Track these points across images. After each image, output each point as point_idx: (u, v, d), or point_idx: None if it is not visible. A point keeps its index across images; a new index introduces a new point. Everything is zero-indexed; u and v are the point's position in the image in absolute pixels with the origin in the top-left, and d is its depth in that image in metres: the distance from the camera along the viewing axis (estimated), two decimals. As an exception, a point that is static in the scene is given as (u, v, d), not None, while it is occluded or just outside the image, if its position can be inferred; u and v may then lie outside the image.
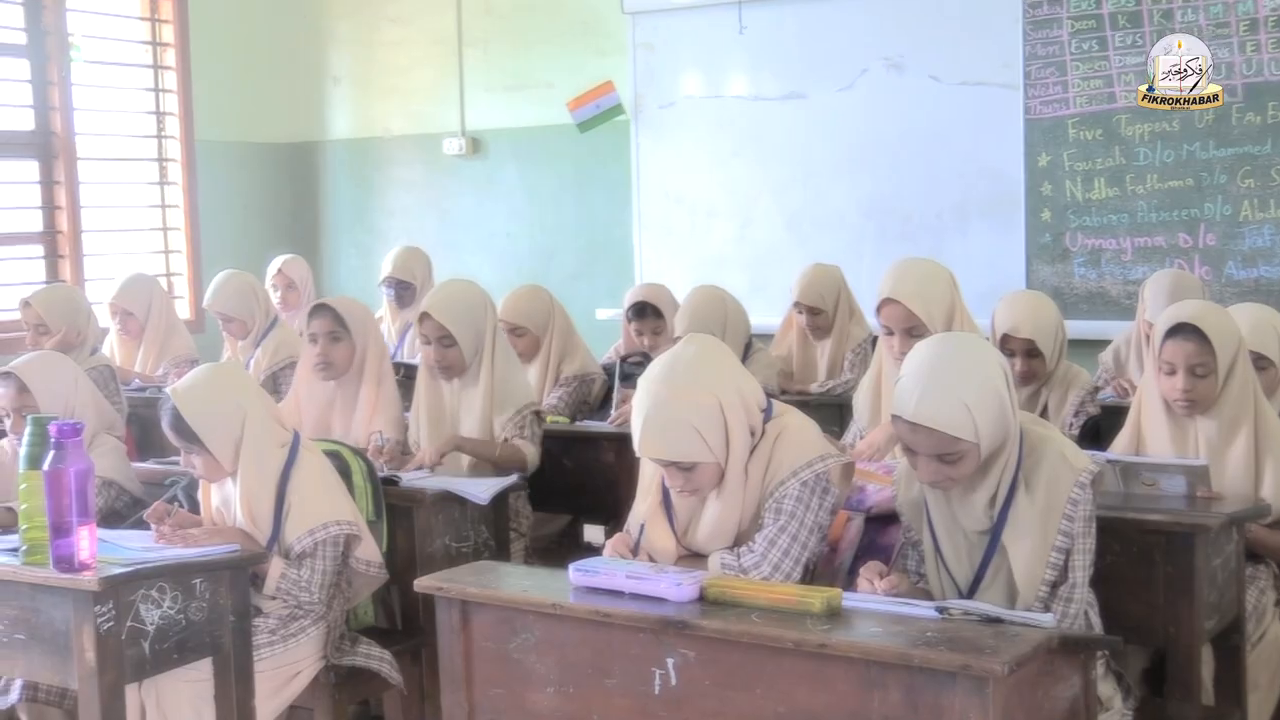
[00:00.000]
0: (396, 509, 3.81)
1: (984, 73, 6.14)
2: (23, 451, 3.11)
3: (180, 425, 3.41)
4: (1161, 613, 3.14)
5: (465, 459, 4.22)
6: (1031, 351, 4.15)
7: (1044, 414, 4.12)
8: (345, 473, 3.69)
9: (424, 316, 4.25)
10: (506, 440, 4.21)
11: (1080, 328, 5.35)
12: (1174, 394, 3.51)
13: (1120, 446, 3.63)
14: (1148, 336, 4.25)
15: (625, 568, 2.76)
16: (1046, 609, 2.76)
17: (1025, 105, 6.05)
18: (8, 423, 3.87)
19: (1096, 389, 4.37)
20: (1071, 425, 4.10)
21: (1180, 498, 3.33)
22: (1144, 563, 3.16)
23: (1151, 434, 3.59)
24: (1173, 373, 3.50)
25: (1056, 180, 6.04)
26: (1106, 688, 2.88)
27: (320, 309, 4.32)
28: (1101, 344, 5.17)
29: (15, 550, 3.13)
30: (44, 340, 5.19)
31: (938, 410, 2.72)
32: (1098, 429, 4.06)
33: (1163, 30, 5.67)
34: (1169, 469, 3.38)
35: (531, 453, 4.23)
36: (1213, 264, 5.75)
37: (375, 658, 3.60)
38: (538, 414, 4.31)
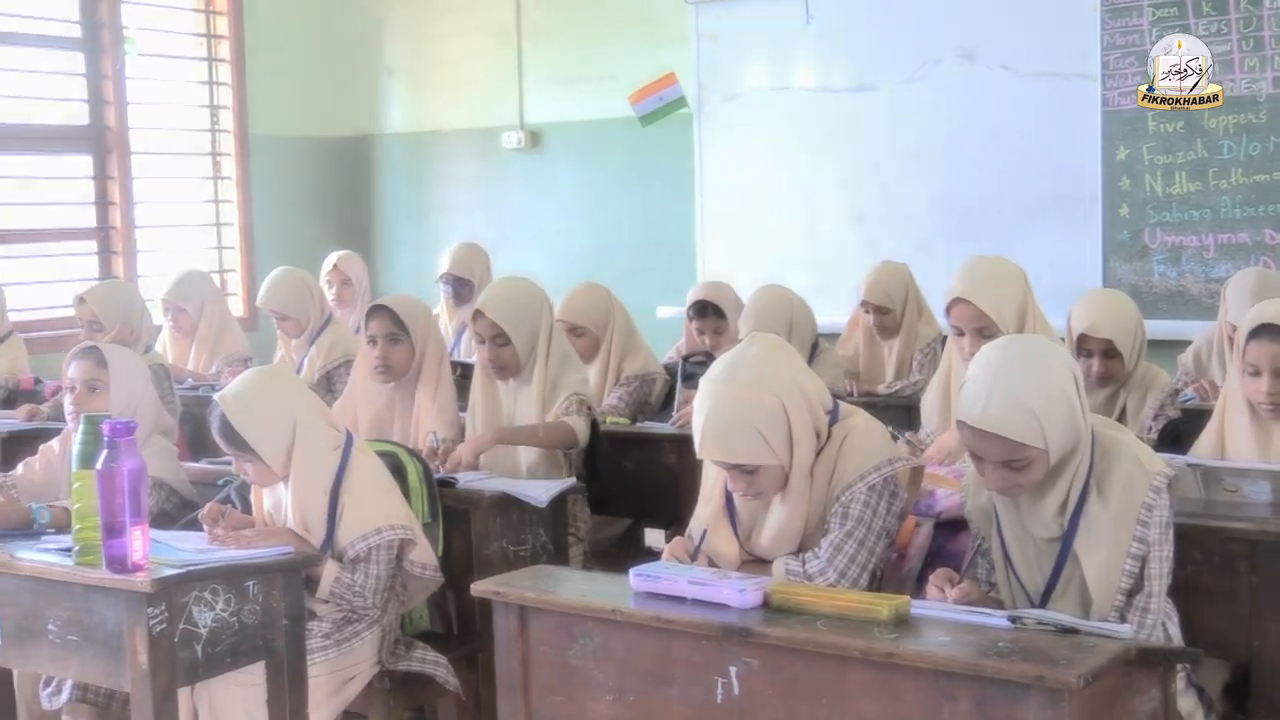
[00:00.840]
0: (453, 511, 3.77)
1: (1059, 63, 6.02)
2: (75, 450, 3.11)
3: (230, 433, 3.39)
4: (1246, 625, 3.09)
5: (523, 462, 4.17)
6: (1109, 352, 4.06)
7: (1122, 417, 4.04)
8: (400, 474, 3.65)
9: (477, 315, 4.20)
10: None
11: (1159, 328, 5.21)
12: (1258, 397, 3.42)
13: (1202, 450, 3.54)
14: (1230, 338, 4.17)
15: (687, 573, 2.72)
16: (1122, 619, 2.69)
17: (1103, 96, 5.93)
18: (68, 398, 3.83)
19: (1177, 391, 4.27)
20: (1151, 429, 4.01)
21: (1265, 505, 3.25)
22: (1226, 572, 3.11)
23: (1235, 438, 3.50)
24: (1257, 374, 3.42)
25: (1135, 174, 5.91)
26: (1187, 702, 2.82)
27: (378, 310, 4.25)
28: (1181, 345, 5.06)
29: (68, 550, 3.12)
30: (98, 337, 5.18)
31: (1003, 416, 2.66)
32: (1178, 432, 3.97)
33: (1249, 17, 5.54)
34: (1253, 474, 3.31)
35: (580, 425, 4.12)
36: (1300, 262, 5.62)
37: (431, 662, 3.57)
38: (585, 401, 4.19)
